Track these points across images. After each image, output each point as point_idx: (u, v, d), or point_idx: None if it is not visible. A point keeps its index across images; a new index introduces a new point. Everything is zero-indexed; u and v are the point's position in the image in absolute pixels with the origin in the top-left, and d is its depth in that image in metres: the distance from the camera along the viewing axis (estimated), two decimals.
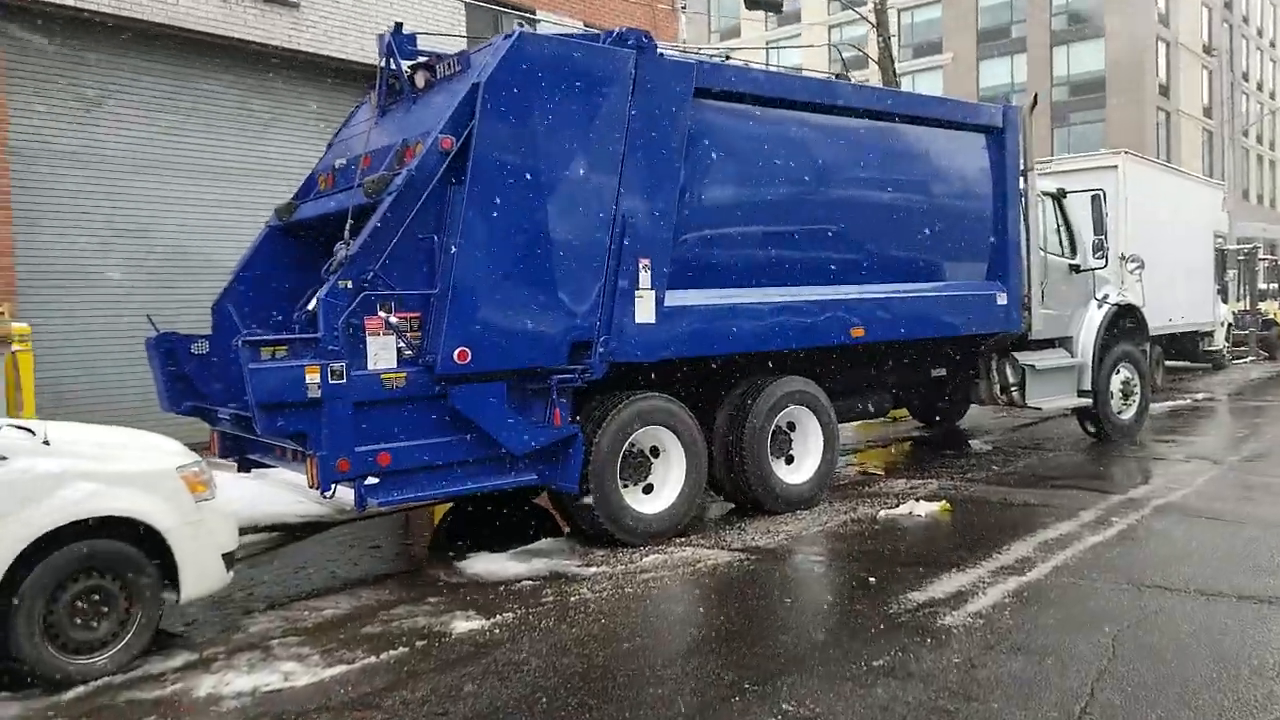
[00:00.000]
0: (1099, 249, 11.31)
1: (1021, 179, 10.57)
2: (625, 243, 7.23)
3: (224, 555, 5.59)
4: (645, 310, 7.40)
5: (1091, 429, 11.84)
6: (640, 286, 7.36)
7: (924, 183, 9.52)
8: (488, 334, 6.60)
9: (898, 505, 8.29)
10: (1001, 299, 10.24)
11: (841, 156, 8.80)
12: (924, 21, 53.11)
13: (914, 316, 9.37)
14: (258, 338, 6.20)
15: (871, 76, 27.66)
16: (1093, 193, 11.32)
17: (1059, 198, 11.54)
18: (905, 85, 54.25)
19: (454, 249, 6.51)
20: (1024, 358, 10.92)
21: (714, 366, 8.30)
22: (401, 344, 6.47)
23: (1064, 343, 11.55)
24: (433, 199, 6.60)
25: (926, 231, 9.54)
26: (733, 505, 8.48)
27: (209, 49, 12.04)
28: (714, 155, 7.93)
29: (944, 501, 8.27)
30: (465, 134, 6.61)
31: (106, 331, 11.01)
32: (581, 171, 7.04)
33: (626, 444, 7.38)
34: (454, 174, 6.64)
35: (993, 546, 6.89)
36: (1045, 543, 6.94)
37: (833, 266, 8.76)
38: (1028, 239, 10.53)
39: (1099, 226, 11.30)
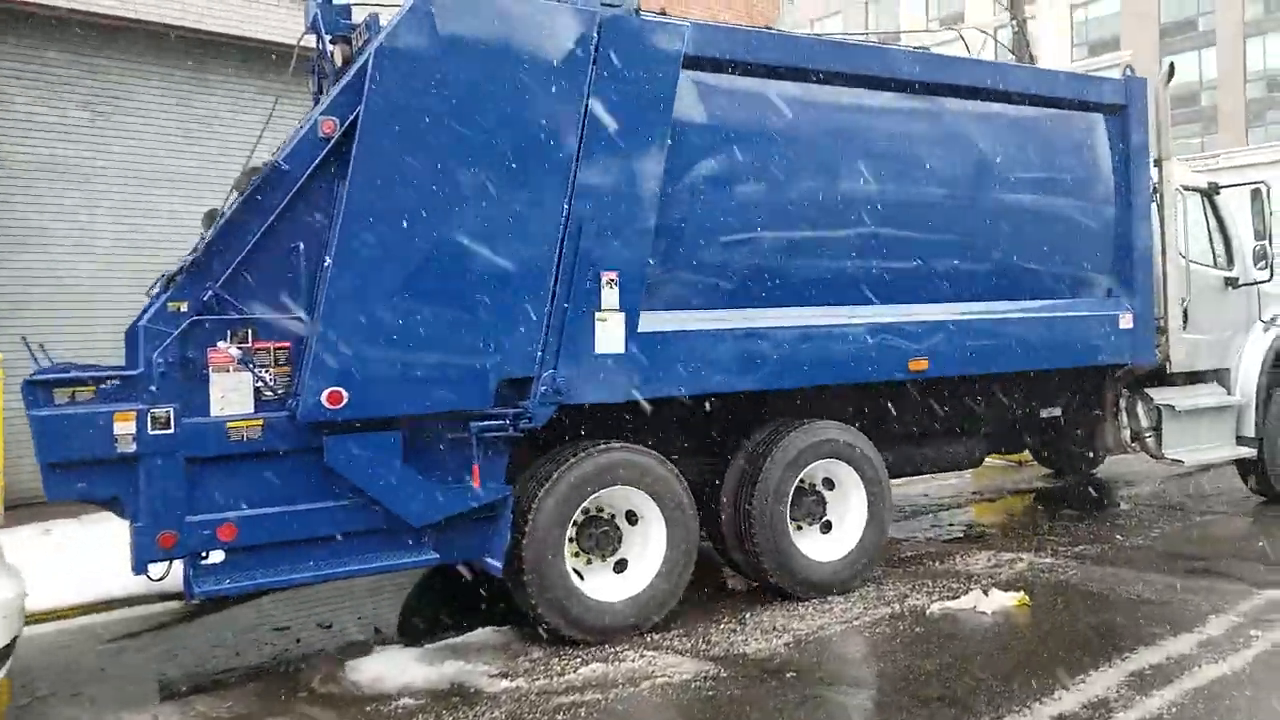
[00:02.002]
0: (1262, 257, 8.87)
1: (1155, 170, 8.36)
2: (580, 252, 5.62)
3: None
4: (610, 337, 5.75)
5: (1257, 488, 9.34)
6: (603, 307, 5.72)
7: (1015, 176, 7.46)
8: (371, 370, 5.10)
9: (963, 594, 6.30)
10: (1125, 321, 8.02)
11: (896, 143, 6.90)
12: (1099, 18, 48.91)
13: (1000, 345, 7.31)
14: (52, 375, 4.90)
15: None
16: (1253, 186, 8.89)
17: (1210, 194, 9.15)
18: None
19: (328, 260, 5.06)
20: (1160, 395, 8.61)
21: (720, 409, 6.57)
22: (262, 383, 5.07)
23: (1219, 376, 9.14)
24: (309, 197, 5.18)
25: (1020, 237, 7.48)
26: (756, 584, 6.68)
27: (228, 51, 11.13)
28: (714, 141, 6.21)
29: (1021, 593, 6.22)
30: (353, 116, 5.17)
31: (111, 358, 10.18)
32: (516, 162, 5.46)
33: (582, 509, 5.75)
34: (341, 167, 5.21)
35: (1062, 674, 4.86)
36: (1140, 673, 4.86)
37: (885, 282, 6.85)
38: (1163, 245, 8.29)
39: (1262, 230, 8.85)
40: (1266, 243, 8.82)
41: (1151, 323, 8.18)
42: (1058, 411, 8.73)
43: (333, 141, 5.14)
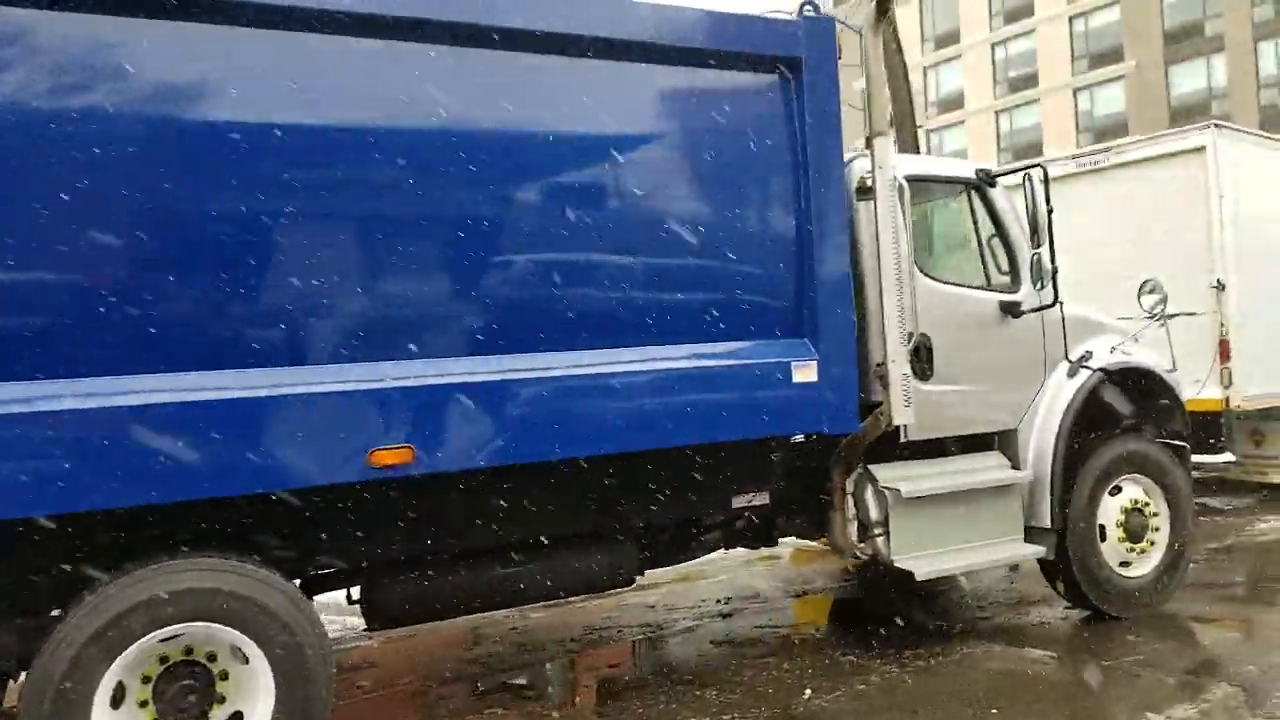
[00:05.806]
0: (1040, 272, 6.17)
1: (868, 150, 5.80)
2: None
3: None
4: None
5: (1068, 596, 6.58)
6: None
7: (575, 160, 4.99)
8: None
9: None
10: (803, 373, 5.40)
11: (332, 106, 4.45)
12: (1100, 27, 46.10)
13: (548, 418, 4.74)
14: None
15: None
16: (1024, 171, 6.22)
17: (982, 187, 6.51)
18: (1083, 102, 46.82)
19: None
20: (887, 475, 5.96)
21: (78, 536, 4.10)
22: None
23: (1004, 442, 6.47)
24: None
25: (597, 256, 4.99)
26: None
27: None
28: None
29: None
30: None
31: None
32: None
33: None
34: None
35: None
36: None
37: (308, 323, 4.37)
38: (880, 260, 5.69)
39: (1037, 232, 6.17)
40: (1045, 251, 6.14)
41: (850, 373, 5.55)
42: (763, 499, 6.11)
43: None
